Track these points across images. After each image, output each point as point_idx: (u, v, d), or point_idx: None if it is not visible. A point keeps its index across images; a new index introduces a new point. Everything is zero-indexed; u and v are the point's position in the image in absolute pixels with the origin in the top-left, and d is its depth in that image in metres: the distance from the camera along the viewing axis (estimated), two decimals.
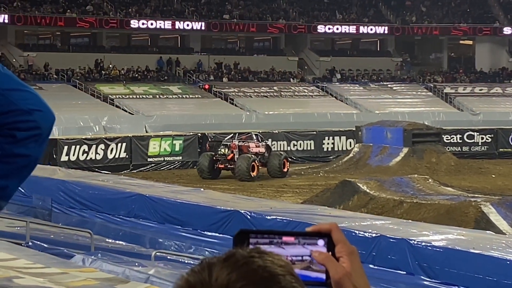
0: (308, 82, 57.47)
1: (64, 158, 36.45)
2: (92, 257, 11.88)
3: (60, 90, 47.91)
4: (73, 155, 36.98)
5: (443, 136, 41.82)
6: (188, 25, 57.08)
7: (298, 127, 45.03)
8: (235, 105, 50.50)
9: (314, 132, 44.11)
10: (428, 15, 65.05)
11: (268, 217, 16.31)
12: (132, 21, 55.54)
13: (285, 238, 1.50)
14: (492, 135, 45.70)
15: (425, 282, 13.56)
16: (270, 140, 42.30)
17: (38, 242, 14.10)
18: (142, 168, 38.85)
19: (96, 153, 37.82)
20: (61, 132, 39.37)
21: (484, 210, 20.78)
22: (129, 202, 19.44)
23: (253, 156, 35.69)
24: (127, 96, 49.14)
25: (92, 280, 8.92)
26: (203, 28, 57.48)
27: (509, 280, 12.59)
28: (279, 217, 16.16)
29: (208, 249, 16.36)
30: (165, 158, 39.92)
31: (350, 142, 43.14)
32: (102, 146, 37.96)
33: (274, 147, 41.95)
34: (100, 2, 56.82)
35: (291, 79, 57.06)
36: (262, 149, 37.01)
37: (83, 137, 38.71)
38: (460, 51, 67.63)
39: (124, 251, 15.22)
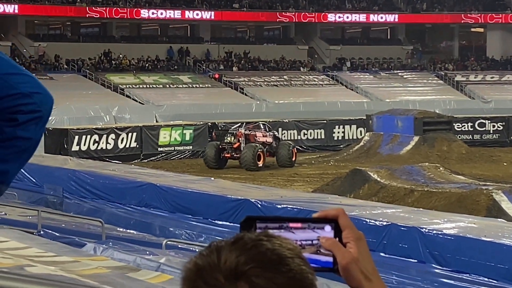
0: (318, 71, 57.40)
1: (75, 148, 36.52)
2: (104, 245, 11.91)
3: (70, 80, 47.99)
4: (84, 145, 37.04)
5: (454, 124, 41.68)
6: (197, 14, 57.06)
7: (308, 116, 44.97)
8: (245, 94, 50.49)
9: (325, 121, 44.04)
10: (438, 2, 64.82)
11: (279, 206, 16.31)
12: (142, 11, 55.54)
13: (292, 224, 1.49)
14: (504, 123, 45.52)
15: (436, 270, 13.53)
16: (280, 129, 42.23)
17: (50, 231, 14.15)
18: (153, 158, 38.88)
19: (107, 142, 37.87)
20: (72, 122, 39.44)
21: (495, 198, 20.72)
22: (140, 191, 19.48)
23: (259, 145, 35.30)
24: (137, 86, 49.20)
25: (104, 269, 8.94)
26: (212, 17, 57.43)
27: None
28: (290, 206, 16.16)
29: (218, 237, 16.35)
30: (175, 147, 39.93)
31: (361, 131, 43.04)
32: (112, 135, 38.00)
33: (284, 136, 41.90)
34: None
35: (301, 68, 57.00)
36: (270, 139, 36.59)
37: (94, 127, 38.76)
38: (471, 38, 67.38)
39: (135, 240, 15.26)
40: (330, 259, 1.47)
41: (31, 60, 50.76)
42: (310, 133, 43.59)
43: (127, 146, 38.45)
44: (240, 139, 35.71)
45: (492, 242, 13.07)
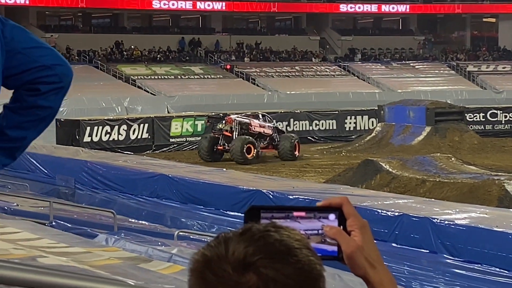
0: (330, 61, 57.29)
1: (87, 139, 36.60)
2: (115, 236, 11.95)
3: (82, 71, 48.00)
4: (96, 136, 37.12)
5: (466, 114, 41.55)
6: (209, 5, 57.00)
7: (320, 106, 44.93)
8: (257, 85, 50.46)
9: (336, 112, 44.00)
10: None
11: (291, 197, 16.31)
12: (153, 2, 55.51)
13: (296, 213, 1.50)
14: None
15: (448, 261, 13.52)
16: (292, 120, 42.21)
17: (62, 222, 14.18)
18: (165, 149, 38.94)
19: (119, 133, 37.94)
20: (83, 113, 39.53)
21: (507, 188, 20.67)
22: (152, 182, 19.51)
23: (249, 138, 33.67)
24: (149, 77, 49.23)
25: (115, 259, 8.97)
26: (224, 8, 57.36)
27: None
28: (302, 197, 16.15)
29: (230, 228, 16.31)
30: (187, 138, 39.97)
31: (372, 122, 42.99)
32: (124, 126, 38.06)
33: (296, 127, 41.89)
34: None
35: (313, 59, 56.90)
36: (269, 131, 35.12)
37: (106, 118, 38.83)
38: (483, 29, 67.08)
39: (147, 231, 15.29)
40: (335, 247, 1.48)
41: None
42: (322, 123, 43.54)
43: (139, 137, 38.52)
44: (232, 126, 34.07)
45: (504, 232, 13.05)
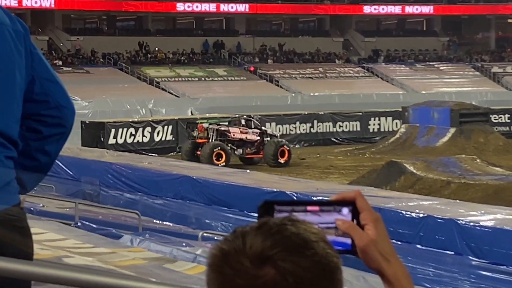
0: (353, 63, 57.18)
1: (111, 141, 36.75)
2: (140, 237, 11.99)
3: (107, 73, 48.30)
4: (121, 138, 37.26)
5: (491, 116, 41.28)
6: (232, 7, 57.09)
7: (344, 108, 44.83)
8: (281, 87, 50.45)
9: (360, 113, 43.88)
10: None
11: (314, 198, 16.29)
12: (177, 4, 55.70)
13: (309, 208, 1.50)
14: None
15: (473, 262, 13.46)
16: (315, 121, 42.13)
17: (87, 223, 14.24)
18: None
19: (143, 135, 38.06)
20: (108, 115, 39.69)
21: None
22: (176, 184, 19.56)
23: (219, 143, 32.69)
24: (173, 79, 49.37)
25: (140, 260, 9.02)
26: (247, 10, 57.42)
27: None
28: (326, 198, 16.07)
29: None
30: None
31: (396, 123, 42.83)
32: (148, 128, 38.17)
33: (319, 129, 41.80)
34: None
35: (336, 60, 56.81)
36: (253, 136, 33.98)
37: (130, 120, 38.97)
38: (508, 29, 66.63)
39: (171, 232, 15.34)
40: (349, 241, 1.48)
41: (67, 54, 51.14)
42: (346, 125, 43.45)
43: (163, 139, 38.61)
44: (208, 134, 33.32)
45: None
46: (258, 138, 34.16)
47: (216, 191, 18.62)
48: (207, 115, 41.86)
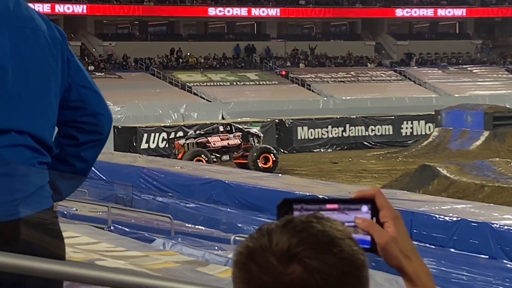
0: (385, 66, 56.97)
1: (144, 145, 36.91)
2: (173, 241, 12.02)
3: (138, 78, 48.56)
4: (153, 142, 37.42)
5: None
6: (264, 11, 57.14)
7: (376, 112, 44.68)
8: (312, 91, 50.40)
9: (393, 117, 43.69)
10: None
11: None
12: (209, 9, 55.87)
13: (329, 206, 1.49)
14: None
15: (508, 266, 13.33)
16: (347, 125, 42.00)
17: (120, 227, 14.31)
18: None
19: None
20: (140, 120, 39.88)
21: None
22: (208, 188, 19.60)
23: (198, 150, 32.07)
24: (205, 84, 49.51)
25: (173, 263, 9.03)
26: (278, 14, 57.44)
27: None
28: None
29: None
30: None
31: (429, 126, 42.59)
32: (180, 133, 38.30)
33: (352, 132, 41.62)
34: None
35: (368, 64, 56.64)
36: (235, 141, 33.36)
37: (162, 124, 39.12)
38: None
39: (203, 236, 15.35)
40: (368, 238, 1.47)
41: (100, 59, 51.50)
42: (378, 129, 43.28)
43: None
44: (189, 148, 32.54)
45: None
46: (241, 140, 33.56)
47: (248, 195, 18.63)
48: (239, 119, 41.94)
